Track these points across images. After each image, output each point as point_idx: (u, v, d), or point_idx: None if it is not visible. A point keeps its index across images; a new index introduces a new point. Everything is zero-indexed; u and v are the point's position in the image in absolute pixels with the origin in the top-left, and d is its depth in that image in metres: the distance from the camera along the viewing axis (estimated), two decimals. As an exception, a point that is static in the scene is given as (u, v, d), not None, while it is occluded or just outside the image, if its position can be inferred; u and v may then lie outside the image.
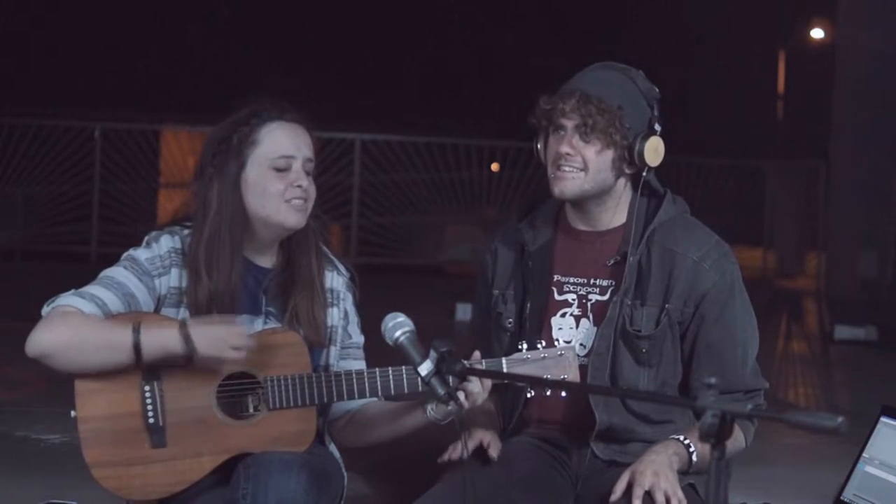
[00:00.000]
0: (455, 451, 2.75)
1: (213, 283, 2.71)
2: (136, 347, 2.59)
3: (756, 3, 24.17)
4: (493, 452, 2.75)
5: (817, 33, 25.44)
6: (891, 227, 13.35)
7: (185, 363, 2.61)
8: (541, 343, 2.68)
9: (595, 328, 2.83)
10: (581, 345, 2.84)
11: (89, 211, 13.72)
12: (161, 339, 2.60)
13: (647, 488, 2.58)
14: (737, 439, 2.79)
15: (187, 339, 2.58)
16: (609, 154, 2.79)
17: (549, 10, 25.51)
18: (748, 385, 2.82)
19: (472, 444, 2.75)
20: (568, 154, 2.78)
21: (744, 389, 2.80)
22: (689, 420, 2.83)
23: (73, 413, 2.67)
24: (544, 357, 2.65)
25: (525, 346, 2.68)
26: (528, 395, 2.85)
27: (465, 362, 2.61)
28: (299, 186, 2.76)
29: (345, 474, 2.88)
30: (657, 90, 2.84)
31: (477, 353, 2.68)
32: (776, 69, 26.43)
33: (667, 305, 2.79)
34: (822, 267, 14.54)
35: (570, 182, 2.79)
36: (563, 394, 2.83)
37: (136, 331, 2.59)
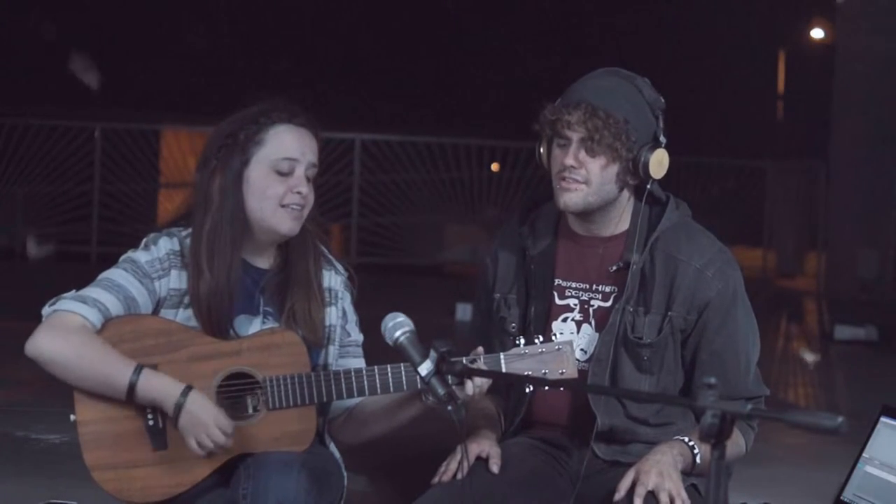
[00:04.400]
0: (453, 464, 2.73)
1: (213, 278, 2.71)
2: (131, 388, 2.61)
3: (756, 3, 24.16)
4: (494, 467, 2.74)
5: (817, 33, 25.44)
6: (891, 227, 13.35)
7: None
8: (538, 338, 2.67)
9: (597, 334, 2.83)
10: (582, 350, 2.84)
11: (89, 211, 13.73)
12: (157, 393, 2.62)
13: (650, 488, 2.58)
14: (737, 444, 2.79)
15: (179, 409, 2.60)
16: (614, 168, 2.77)
17: (549, 9, 25.50)
18: (750, 392, 2.82)
19: (471, 456, 2.74)
20: (572, 167, 2.77)
21: (746, 396, 2.79)
22: (691, 422, 2.82)
23: (72, 417, 2.67)
24: (542, 352, 2.65)
25: (522, 341, 2.67)
26: (527, 390, 2.85)
27: (464, 359, 2.60)
28: (298, 193, 2.75)
29: (345, 474, 2.88)
30: (663, 100, 2.82)
31: (480, 348, 2.68)
32: (776, 69, 26.43)
33: (669, 313, 2.78)
34: (821, 267, 14.54)
35: (574, 195, 2.78)
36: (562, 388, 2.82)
37: (137, 372, 2.60)
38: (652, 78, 2.85)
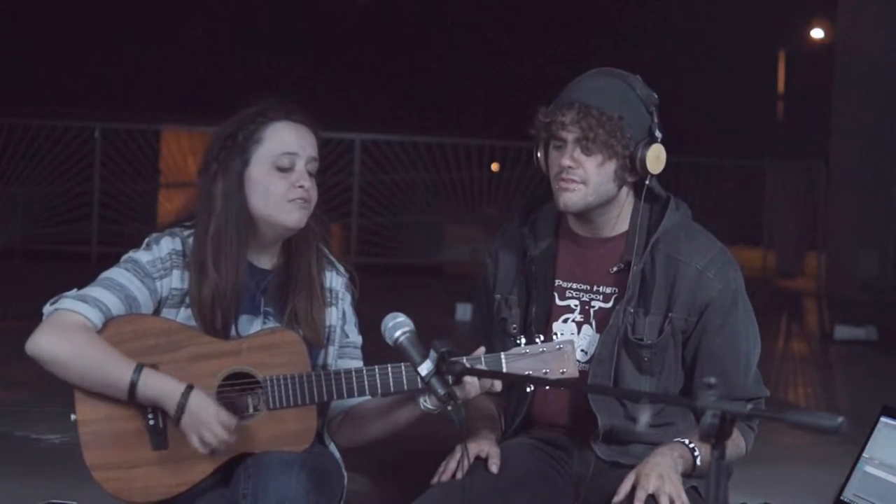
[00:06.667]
0: (452, 463, 2.73)
1: (221, 280, 2.71)
2: (132, 387, 2.60)
3: (756, 3, 24.17)
4: (494, 467, 2.73)
5: (817, 33, 25.44)
6: (891, 227, 13.36)
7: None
8: (539, 337, 2.67)
9: (597, 335, 2.83)
10: (582, 351, 2.84)
11: (89, 211, 13.73)
12: (158, 392, 2.61)
13: (651, 491, 2.57)
14: (738, 445, 2.79)
15: (181, 409, 2.59)
16: (611, 165, 2.77)
17: (549, 10, 25.50)
18: (750, 393, 2.81)
19: (471, 455, 2.73)
20: (570, 167, 2.76)
21: (746, 397, 2.79)
22: (691, 423, 2.82)
23: (73, 416, 2.67)
24: (543, 351, 2.65)
25: (523, 340, 2.67)
26: (528, 390, 2.85)
27: (464, 359, 2.60)
28: (301, 187, 2.76)
29: (345, 474, 2.88)
30: (656, 95, 2.82)
31: (482, 349, 2.68)
32: (776, 69, 26.43)
33: (670, 314, 2.78)
34: (822, 267, 14.55)
35: (573, 194, 2.78)
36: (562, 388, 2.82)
37: (137, 371, 2.60)
38: (652, 78, 2.85)
